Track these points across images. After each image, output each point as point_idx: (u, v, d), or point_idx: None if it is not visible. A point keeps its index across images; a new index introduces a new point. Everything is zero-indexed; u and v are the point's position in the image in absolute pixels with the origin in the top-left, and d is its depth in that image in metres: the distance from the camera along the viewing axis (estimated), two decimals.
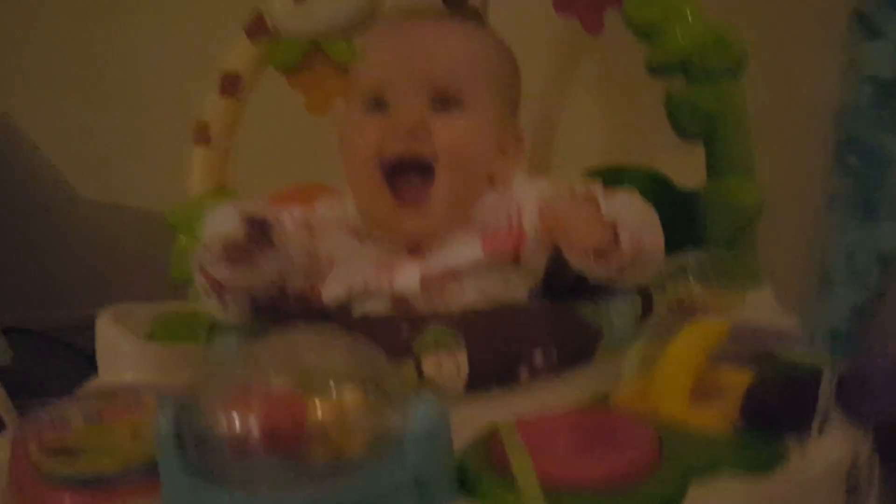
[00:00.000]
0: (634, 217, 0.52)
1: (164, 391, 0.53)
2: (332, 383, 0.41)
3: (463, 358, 0.49)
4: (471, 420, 0.44)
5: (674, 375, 0.47)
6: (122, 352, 0.66)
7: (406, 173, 0.54)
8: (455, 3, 0.74)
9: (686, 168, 0.75)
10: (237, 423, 0.39)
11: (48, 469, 0.44)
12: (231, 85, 0.79)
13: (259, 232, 0.50)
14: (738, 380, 0.47)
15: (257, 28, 0.79)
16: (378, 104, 0.55)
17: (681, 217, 0.69)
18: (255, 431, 0.39)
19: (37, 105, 1.07)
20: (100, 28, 1.04)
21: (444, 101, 0.54)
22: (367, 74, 0.56)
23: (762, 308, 0.64)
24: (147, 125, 1.04)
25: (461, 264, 0.54)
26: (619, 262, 0.51)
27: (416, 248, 0.56)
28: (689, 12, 0.68)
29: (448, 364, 0.49)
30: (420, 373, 0.49)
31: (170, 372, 0.63)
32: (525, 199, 0.57)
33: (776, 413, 0.44)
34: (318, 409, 0.40)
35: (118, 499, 0.43)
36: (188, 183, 0.80)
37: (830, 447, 0.43)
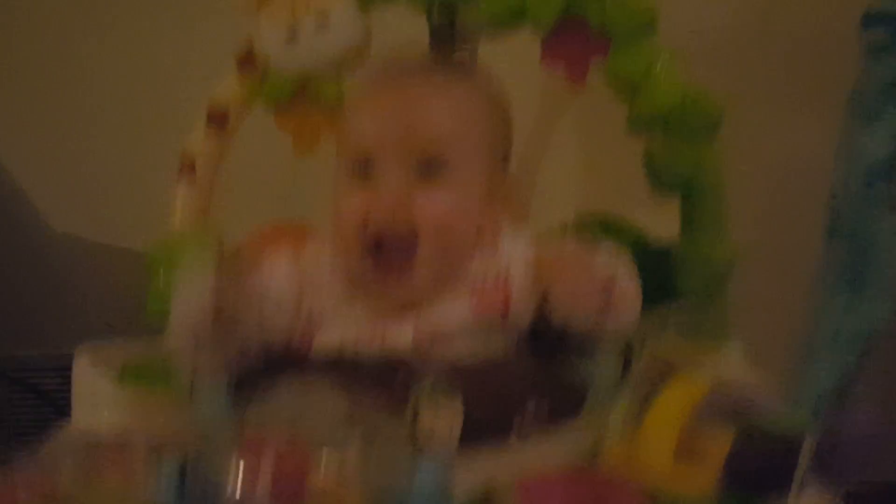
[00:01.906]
0: (622, 274, 0.54)
1: (149, 440, 0.53)
2: (333, 440, 0.41)
3: (459, 411, 0.50)
4: (463, 472, 0.45)
5: (657, 438, 0.49)
6: (99, 394, 0.65)
7: (390, 242, 0.55)
8: (444, 53, 0.76)
9: (660, 221, 0.79)
10: (243, 477, 0.40)
11: None
12: (219, 119, 0.79)
13: (226, 316, 0.51)
14: (719, 442, 0.49)
15: (247, 62, 0.80)
16: (364, 168, 0.55)
17: (654, 271, 0.72)
18: (261, 486, 0.39)
19: (15, 137, 1.04)
20: (81, 62, 1.03)
21: (429, 166, 0.55)
22: (354, 136, 0.56)
23: (734, 363, 0.67)
24: (127, 161, 1.03)
25: (452, 325, 0.56)
26: (616, 319, 0.53)
27: (405, 307, 0.57)
28: (669, 71, 0.70)
29: (444, 416, 0.50)
30: (415, 424, 0.50)
31: (147, 416, 0.62)
32: (513, 256, 0.58)
33: (757, 477, 0.46)
34: (320, 466, 0.41)
35: None
36: (171, 217, 0.79)
37: None
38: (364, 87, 0.59)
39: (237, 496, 0.40)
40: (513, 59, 0.77)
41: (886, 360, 0.42)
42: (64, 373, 0.93)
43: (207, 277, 0.51)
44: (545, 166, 0.92)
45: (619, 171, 0.88)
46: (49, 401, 0.98)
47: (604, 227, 0.78)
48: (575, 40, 0.73)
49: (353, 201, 0.55)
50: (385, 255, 0.55)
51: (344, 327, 0.56)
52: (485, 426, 0.51)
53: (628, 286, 0.56)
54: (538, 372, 0.55)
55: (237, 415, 0.49)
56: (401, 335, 0.55)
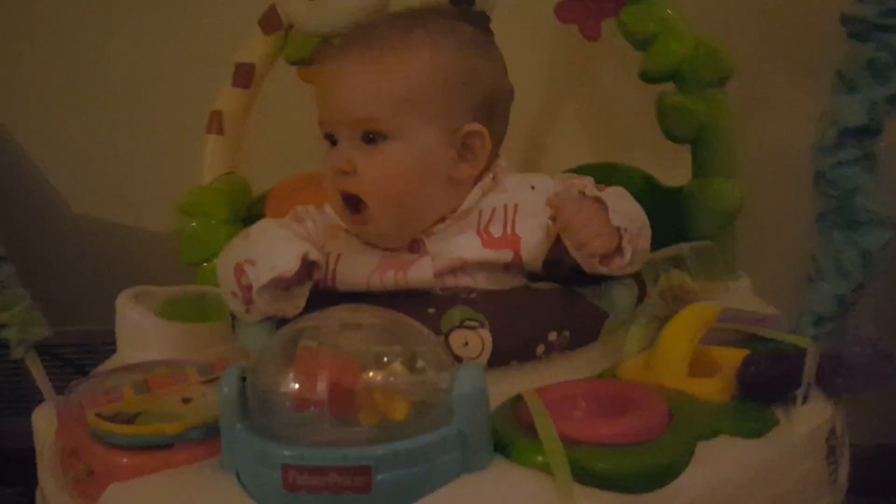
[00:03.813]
0: (633, 221, 0.58)
1: (196, 362, 0.57)
2: (382, 355, 0.45)
3: (487, 335, 0.54)
4: (494, 390, 0.48)
5: (673, 351, 0.53)
6: (143, 330, 0.69)
7: (348, 200, 0.61)
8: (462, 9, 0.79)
9: (665, 169, 0.82)
10: (299, 384, 0.43)
11: (108, 433, 0.47)
12: (244, 76, 0.83)
13: (307, 271, 0.55)
14: (731, 357, 0.53)
15: (271, 22, 0.83)
16: (331, 138, 0.62)
17: (664, 211, 0.75)
18: (319, 391, 0.43)
19: (34, 117, 1.05)
20: (101, 41, 1.03)
21: (371, 136, 0.60)
22: (319, 112, 0.62)
23: (742, 296, 0.70)
24: (144, 144, 1.03)
25: (464, 256, 0.59)
26: (620, 267, 0.57)
27: (414, 247, 0.61)
28: (681, 26, 0.74)
29: (473, 341, 0.54)
30: (447, 348, 0.53)
31: (186, 349, 0.66)
32: (520, 198, 0.61)
33: (768, 384, 0.50)
34: (369, 377, 0.44)
35: (175, 459, 0.47)
36: (200, 169, 0.83)
37: (813, 415, 0.50)
38: (326, 66, 0.63)
39: (298, 399, 0.43)
40: (526, 12, 0.80)
41: (882, 287, 0.46)
42: (81, 348, 0.97)
43: (300, 242, 0.57)
44: (558, 120, 0.95)
45: (626, 124, 0.91)
46: (77, 370, 1.02)
47: (618, 171, 0.82)
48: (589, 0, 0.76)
49: (326, 166, 0.62)
50: (349, 208, 0.61)
51: (365, 268, 0.60)
52: (509, 354, 0.55)
53: (644, 237, 0.59)
54: (562, 301, 0.58)
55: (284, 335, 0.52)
56: (421, 269, 0.59)
